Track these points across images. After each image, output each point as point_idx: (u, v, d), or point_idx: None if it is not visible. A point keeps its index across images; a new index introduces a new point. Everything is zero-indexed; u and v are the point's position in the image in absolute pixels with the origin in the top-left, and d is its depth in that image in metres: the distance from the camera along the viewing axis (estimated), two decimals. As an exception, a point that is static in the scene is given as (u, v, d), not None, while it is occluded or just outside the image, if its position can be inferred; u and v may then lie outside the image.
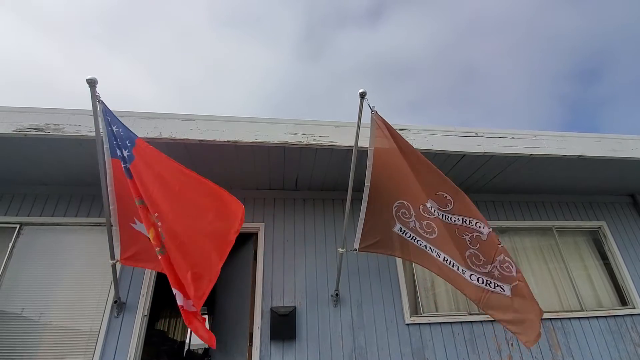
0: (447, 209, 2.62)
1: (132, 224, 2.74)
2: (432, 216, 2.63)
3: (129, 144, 2.56)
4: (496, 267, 2.49)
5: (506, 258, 2.50)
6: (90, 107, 2.54)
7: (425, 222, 2.71)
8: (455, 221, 2.60)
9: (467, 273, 2.52)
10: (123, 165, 2.52)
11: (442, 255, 2.66)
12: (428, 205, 2.64)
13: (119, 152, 2.53)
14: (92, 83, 2.48)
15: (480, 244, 2.54)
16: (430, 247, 2.73)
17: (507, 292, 2.47)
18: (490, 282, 2.50)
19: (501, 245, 2.55)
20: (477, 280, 2.50)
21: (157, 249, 2.39)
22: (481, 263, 2.52)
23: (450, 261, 2.61)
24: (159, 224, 2.40)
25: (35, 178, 3.65)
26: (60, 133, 2.94)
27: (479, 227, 2.53)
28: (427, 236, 2.72)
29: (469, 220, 2.56)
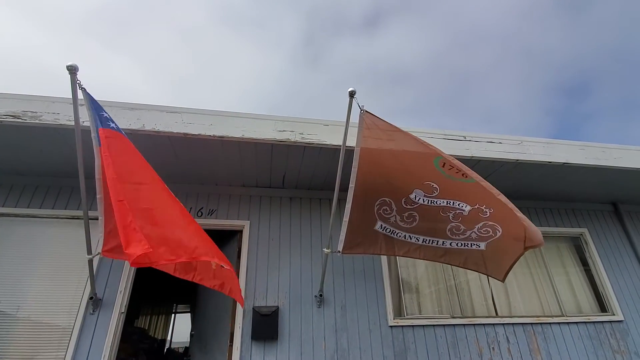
0: (433, 195, 2.82)
1: None
2: (415, 205, 2.85)
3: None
4: (474, 232, 2.88)
5: (488, 224, 2.80)
6: (71, 95, 2.44)
7: (406, 214, 2.91)
8: (440, 203, 2.83)
9: (447, 242, 2.98)
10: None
11: (422, 238, 3.01)
12: (412, 196, 2.83)
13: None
14: (72, 70, 2.37)
15: (462, 218, 2.86)
16: (409, 236, 3.01)
17: (483, 247, 2.92)
18: (467, 243, 2.95)
19: (487, 215, 2.77)
20: (457, 245, 2.97)
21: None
22: (461, 232, 2.91)
23: (430, 240, 3.02)
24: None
25: (11, 167, 3.51)
26: (37, 121, 2.83)
27: (461, 207, 2.81)
28: (407, 226, 2.97)
29: (453, 202, 2.82)
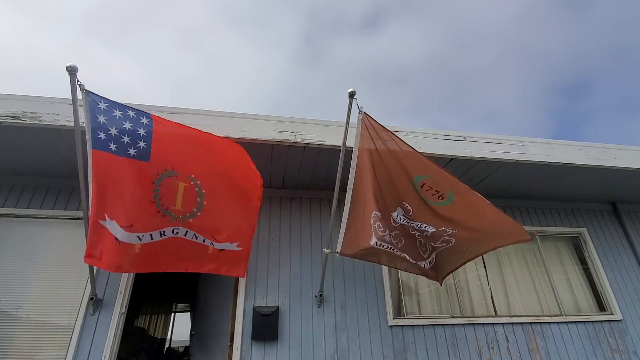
0: (409, 215, 2.96)
1: (101, 221, 2.58)
2: (397, 224, 2.94)
3: (143, 122, 2.54)
4: (434, 244, 3.17)
5: (445, 238, 3.05)
6: (70, 96, 2.43)
7: (394, 233, 2.94)
8: (413, 225, 3.00)
9: (422, 263, 3.15)
10: (133, 151, 2.49)
11: (409, 256, 3.06)
12: (394, 214, 2.91)
13: (111, 145, 2.45)
14: (71, 71, 2.36)
15: (425, 239, 3.11)
16: (404, 256, 3.01)
17: (433, 256, 3.24)
18: (426, 263, 3.19)
19: (448, 233, 3.00)
20: (425, 266, 3.18)
21: (188, 213, 2.67)
22: (425, 249, 3.19)
23: (413, 260, 3.10)
24: (198, 183, 2.63)
25: (11, 168, 3.51)
26: (37, 122, 2.83)
27: (426, 228, 2.99)
28: (398, 245, 2.99)
29: (420, 224, 2.99)
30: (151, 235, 2.65)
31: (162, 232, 2.69)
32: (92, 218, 2.51)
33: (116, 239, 2.55)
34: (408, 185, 2.87)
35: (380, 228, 2.89)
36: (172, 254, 2.79)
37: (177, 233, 2.73)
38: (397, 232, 2.97)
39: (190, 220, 2.71)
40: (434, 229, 2.99)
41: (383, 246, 2.94)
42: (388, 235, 2.92)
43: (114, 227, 2.54)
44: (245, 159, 2.81)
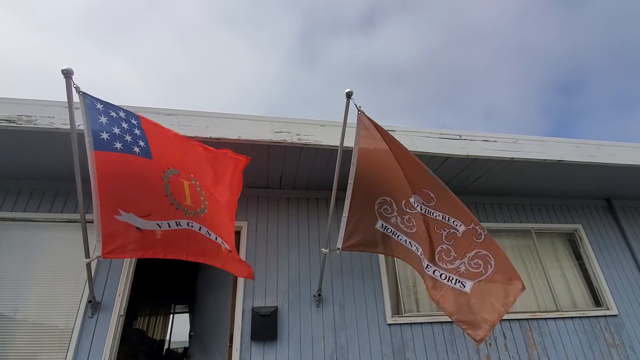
0: (431, 204, 2.77)
1: (116, 216, 2.64)
2: (414, 211, 2.78)
3: (134, 123, 2.57)
4: (464, 263, 2.61)
5: (480, 253, 2.61)
6: (66, 99, 2.42)
7: (406, 217, 2.83)
8: (436, 216, 2.76)
9: (431, 268, 2.67)
10: (137, 149, 2.51)
11: (420, 249, 2.80)
12: (412, 200, 2.78)
13: (116, 144, 2.46)
14: (67, 74, 2.36)
15: (455, 240, 2.68)
16: (410, 242, 2.86)
17: (467, 288, 2.57)
18: (452, 278, 2.62)
19: (481, 240, 2.64)
20: (439, 276, 2.66)
21: (198, 209, 2.65)
22: (450, 259, 2.65)
23: (424, 261, 2.74)
24: (197, 183, 2.62)
25: (7, 171, 3.49)
26: (32, 125, 2.82)
27: (456, 225, 2.68)
28: (407, 230, 2.84)
29: (448, 218, 2.72)
30: (168, 223, 2.72)
31: (177, 222, 2.72)
32: (103, 216, 2.53)
33: (137, 228, 2.63)
34: (423, 173, 2.72)
35: (387, 211, 2.85)
36: (193, 245, 2.79)
37: (192, 227, 2.73)
38: (410, 217, 2.78)
39: (202, 215, 2.71)
40: (464, 227, 2.61)
41: (387, 229, 2.87)
42: (395, 218, 2.83)
43: (132, 219, 2.60)
44: (232, 163, 2.82)
